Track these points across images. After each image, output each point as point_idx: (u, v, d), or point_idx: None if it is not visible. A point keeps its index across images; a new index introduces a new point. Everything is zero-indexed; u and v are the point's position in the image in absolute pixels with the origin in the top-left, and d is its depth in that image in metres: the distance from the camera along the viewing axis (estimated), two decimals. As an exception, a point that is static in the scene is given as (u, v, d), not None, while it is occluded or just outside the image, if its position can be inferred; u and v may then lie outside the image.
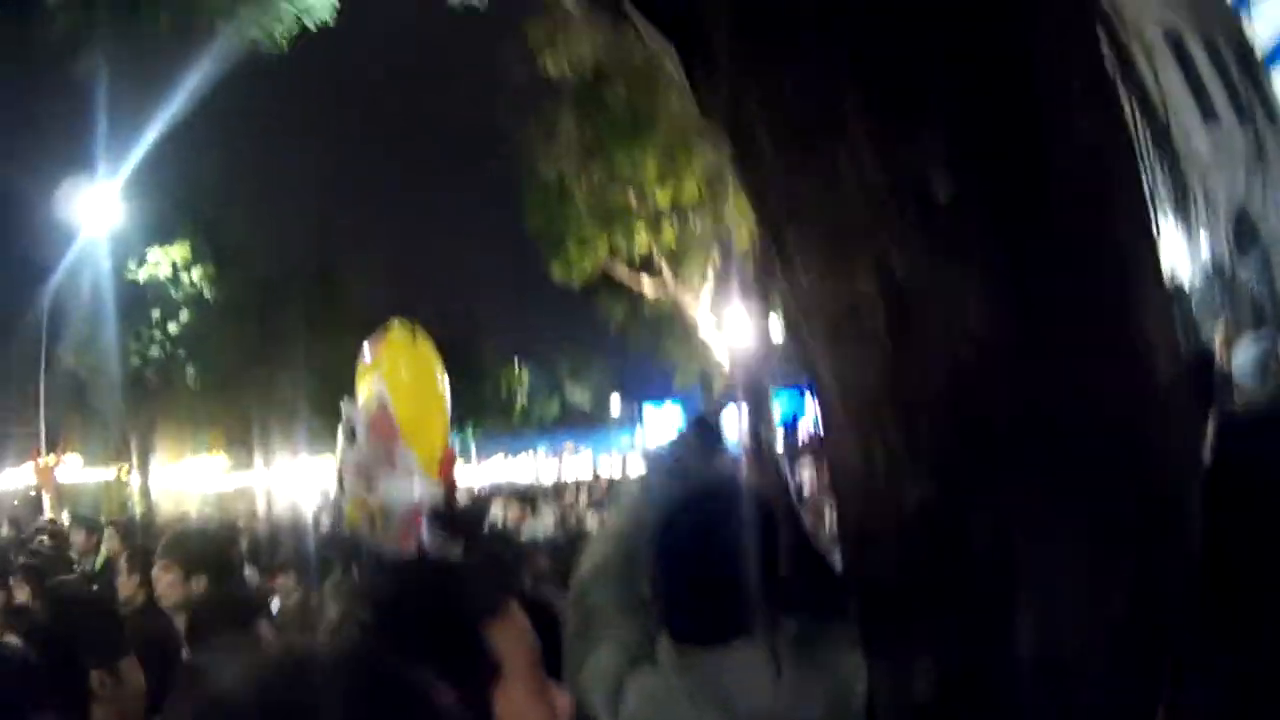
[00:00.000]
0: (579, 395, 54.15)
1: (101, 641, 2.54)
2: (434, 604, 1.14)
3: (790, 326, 1.60)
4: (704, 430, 1.91)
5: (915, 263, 1.18)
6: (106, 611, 3.09)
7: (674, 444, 1.92)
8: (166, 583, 3.76)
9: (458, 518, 5.10)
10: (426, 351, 6.00)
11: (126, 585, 4.28)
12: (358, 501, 5.11)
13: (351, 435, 5.51)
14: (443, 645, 1.03)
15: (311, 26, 9.73)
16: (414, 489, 5.03)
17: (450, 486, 5.58)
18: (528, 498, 11.44)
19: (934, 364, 1.19)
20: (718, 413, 2.33)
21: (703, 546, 1.54)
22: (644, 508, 1.76)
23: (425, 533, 4.77)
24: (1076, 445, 1.19)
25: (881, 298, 1.18)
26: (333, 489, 6.58)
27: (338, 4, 9.28)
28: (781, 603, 1.52)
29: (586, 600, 1.73)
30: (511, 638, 1.14)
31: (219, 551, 4.14)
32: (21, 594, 4.69)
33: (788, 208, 1.27)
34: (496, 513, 9.60)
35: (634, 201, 22.16)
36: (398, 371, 5.78)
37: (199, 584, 3.66)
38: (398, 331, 6.07)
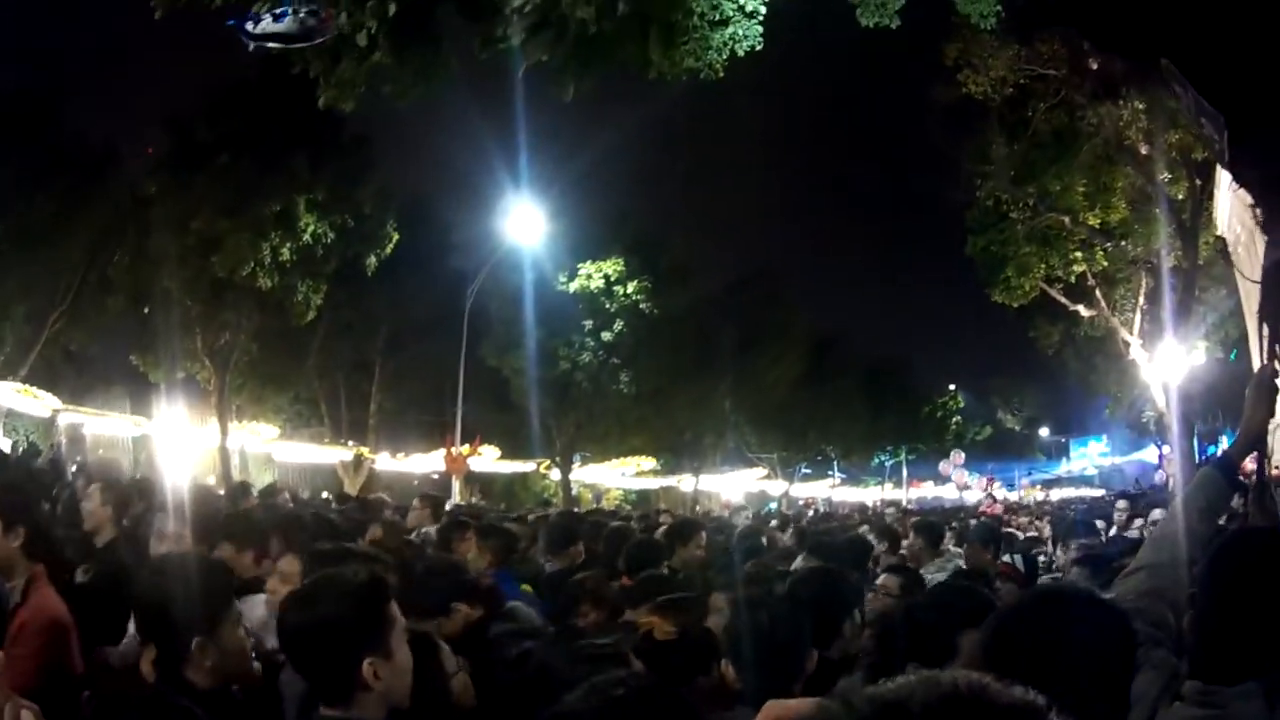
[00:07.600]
0: (1010, 422, 51.33)
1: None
2: None
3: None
4: (1229, 471, 2.10)
5: None
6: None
7: (1202, 485, 2.06)
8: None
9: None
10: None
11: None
12: None
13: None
14: None
15: (741, 53, 10.48)
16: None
17: None
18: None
19: None
20: (1238, 454, 2.30)
21: (1238, 592, 1.60)
22: (1178, 544, 1.96)
23: None
24: None
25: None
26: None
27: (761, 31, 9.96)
28: None
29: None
30: None
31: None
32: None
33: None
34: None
35: (1066, 223, 20.99)
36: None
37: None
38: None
